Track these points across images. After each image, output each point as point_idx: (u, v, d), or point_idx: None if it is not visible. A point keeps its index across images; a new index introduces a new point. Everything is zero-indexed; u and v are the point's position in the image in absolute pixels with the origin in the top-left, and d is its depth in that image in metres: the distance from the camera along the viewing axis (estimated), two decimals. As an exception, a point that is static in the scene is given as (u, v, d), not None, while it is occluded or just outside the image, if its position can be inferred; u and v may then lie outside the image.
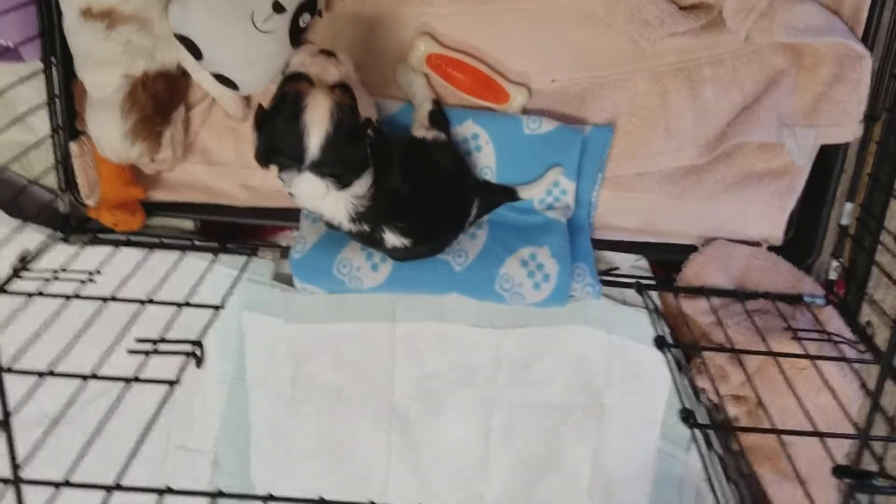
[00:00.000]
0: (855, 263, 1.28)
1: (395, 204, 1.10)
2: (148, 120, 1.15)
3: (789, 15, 1.13)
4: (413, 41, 1.22)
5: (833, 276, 1.30)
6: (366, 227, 1.09)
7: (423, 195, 1.12)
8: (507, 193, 1.25)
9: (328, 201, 1.06)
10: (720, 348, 1.19)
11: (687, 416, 0.95)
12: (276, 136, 0.99)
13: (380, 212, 1.08)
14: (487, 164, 1.24)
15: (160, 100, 1.16)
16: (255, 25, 1.08)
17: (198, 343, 0.94)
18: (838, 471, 0.75)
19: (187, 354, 0.93)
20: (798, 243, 1.30)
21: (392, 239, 1.11)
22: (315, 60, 1.02)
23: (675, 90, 1.22)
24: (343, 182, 1.03)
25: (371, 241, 1.12)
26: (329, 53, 1.05)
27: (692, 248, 1.30)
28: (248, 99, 1.24)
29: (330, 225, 1.12)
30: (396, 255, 1.16)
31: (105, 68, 1.13)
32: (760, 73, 1.21)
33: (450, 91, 1.24)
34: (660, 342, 1.13)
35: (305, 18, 1.13)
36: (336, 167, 1.00)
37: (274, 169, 1.04)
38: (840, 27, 1.15)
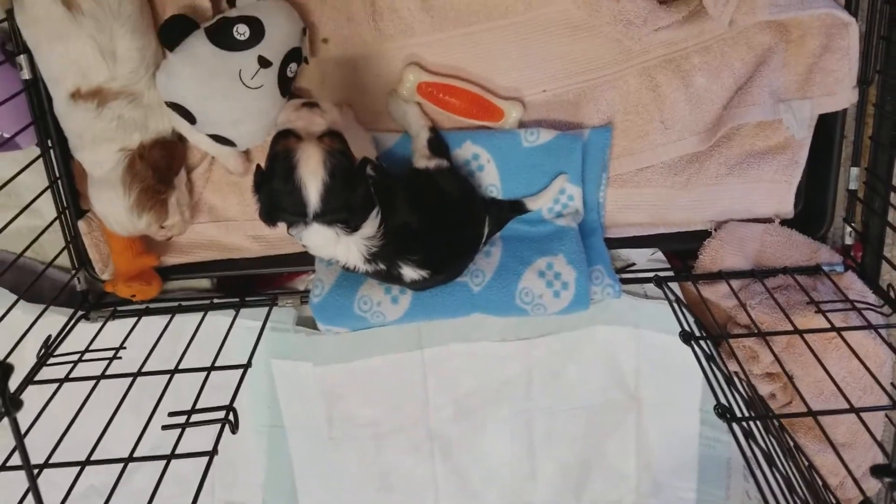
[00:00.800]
0: (868, 226, 1.28)
1: (407, 238, 1.10)
2: (150, 190, 1.16)
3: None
4: (401, 73, 1.22)
5: (849, 241, 1.31)
6: (382, 266, 1.10)
7: (433, 225, 1.13)
8: (515, 208, 1.25)
9: (341, 247, 1.06)
10: (745, 334, 1.19)
11: (723, 412, 0.96)
12: (276, 195, 0.99)
13: (393, 248, 1.09)
14: (492, 181, 1.25)
15: (160, 168, 1.17)
16: (243, 83, 1.09)
17: (230, 408, 0.95)
18: (875, 471, 0.75)
19: (222, 422, 0.93)
20: (809, 214, 1.30)
21: (410, 273, 1.11)
22: (299, 114, 1.03)
23: (667, 82, 1.22)
24: (352, 226, 1.03)
25: (389, 277, 1.13)
26: (311, 105, 1.05)
27: (706, 234, 1.30)
28: (247, 153, 1.24)
29: (347, 269, 1.12)
30: (416, 286, 1.17)
31: (100, 146, 1.14)
32: (749, 53, 1.21)
33: (444, 116, 1.24)
34: (686, 336, 1.13)
35: (292, 68, 1.14)
36: (341, 213, 1.01)
37: (282, 226, 1.05)
38: (823, -3, 1.15)
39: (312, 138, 0.98)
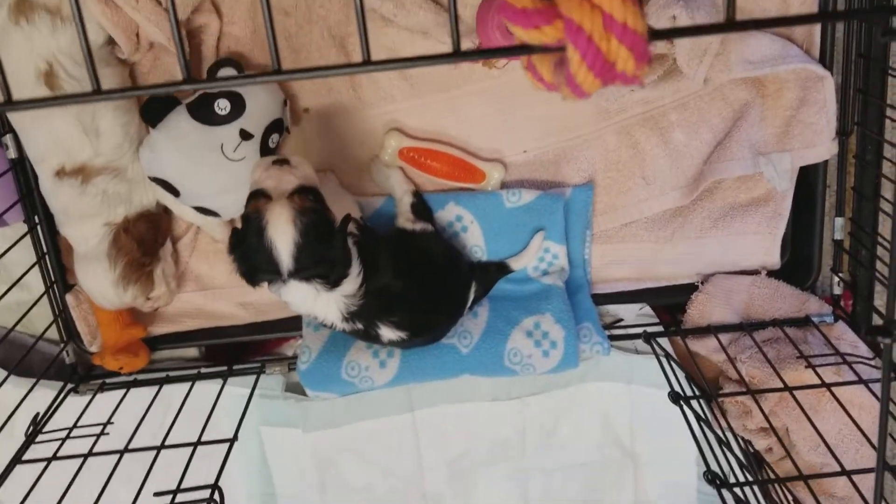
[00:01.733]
0: (856, 276, 1.28)
1: (386, 299, 1.10)
2: (136, 263, 1.16)
3: (743, 50, 1.13)
4: (383, 138, 1.23)
5: (837, 290, 1.30)
6: (359, 325, 1.09)
7: (415, 287, 1.13)
8: (500, 269, 1.25)
9: (320, 304, 1.06)
10: (735, 392, 1.18)
11: (713, 479, 0.94)
12: (251, 255, 0.99)
13: (372, 308, 1.08)
14: (476, 242, 1.25)
15: (145, 241, 1.18)
16: (225, 156, 1.10)
17: (216, 487, 0.94)
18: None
19: (207, 501, 0.93)
20: (797, 265, 1.30)
21: (388, 333, 1.11)
22: (269, 173, 1.02)
23: (646, 139, 1.23)
24: (331, 282, 1.03)
25: (367, 336, 1.13)
26: (282, 162, 1.04)
27: (693, 288, 1.29)
28: (232, 221, 1.25)
29: (325, 325, 1.12)
30: (395, 346, 1.17)
31: (85, 221, 1.15)
32: (726, 108, 1.22)
33: (427, 179, 1.25)
34: (675, 397, 1.12)
35: (274, 139, 1.15)
36: (316, 269, 1.00)
37: (264, 285, 1.05)
38: (796, 52, 1.16)
39: (282, 197, 0.98)
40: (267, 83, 1.14)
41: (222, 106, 1.10)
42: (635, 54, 0.47)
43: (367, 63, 0.49)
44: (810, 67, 1.15)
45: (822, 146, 1.21)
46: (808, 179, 1.25)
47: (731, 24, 0.47)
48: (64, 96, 0.52)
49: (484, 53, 0.50)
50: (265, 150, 1.14)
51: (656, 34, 0.50)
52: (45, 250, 1.26)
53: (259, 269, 1.00)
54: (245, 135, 1.10)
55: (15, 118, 1.13)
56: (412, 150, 1.23)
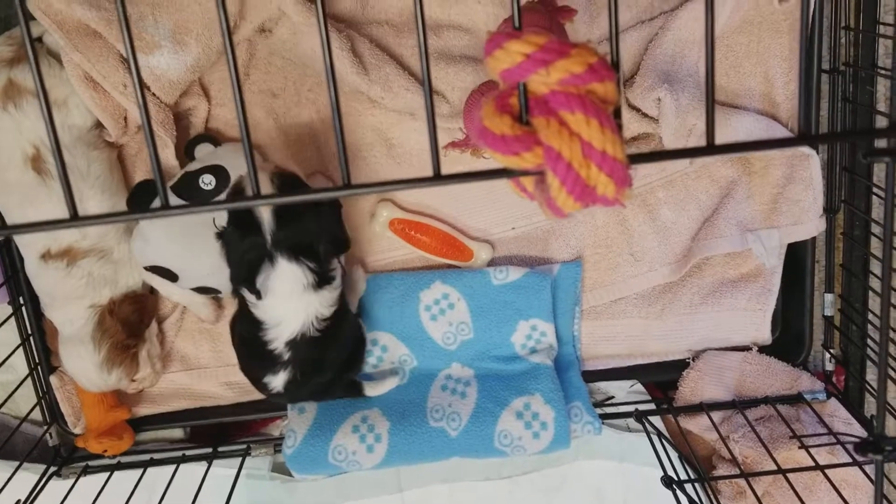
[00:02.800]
0: (848, 352, 1.27)
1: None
2: (120, 345, 1.15)
3: (728, 130, 1.14)
4: (375, 208, 1.23)
5: (830, 367, 1.29)
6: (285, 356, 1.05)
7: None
8: (350, 387, 1.21)
9: (295, 305, 1.01)
10: (728, 475, 1.17)
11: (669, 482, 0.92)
12: (236, 237, 0.97)
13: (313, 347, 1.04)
14: (462, 319, 1.24)
15: (130, 322, 1.17)
16: (217, 229, 1.09)
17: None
18: None
19: None
20: (788, 341, 1.29)
21: (277, 381, 1.07)
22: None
23: (633, 216, 1.23)
24: (322, 271, 0.99)
25: (264, 363, 1.07)
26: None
27: (685, 364, 1.28)
28: (218, 301, 1.24)
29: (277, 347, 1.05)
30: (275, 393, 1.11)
31: (70, 304, 1.14)
32: (713, 185, 1.22)
33: (416, 255, 1.25)
34: (668, 482, 1.10)
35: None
36: (303, 235, 0.97)
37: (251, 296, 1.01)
38: (781, 130, 1.17)
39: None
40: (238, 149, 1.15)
41: (207, 181, 1.09)
42: (615, 180, 0.47)
43: (352, 186, 0.49)
44: (797, 147, 1.15)
45: (809, 223, 1.21)
46: (797, 255, 1.24)
47: (711, 148, 0.47)
48: (44, 223, 0.51)
49: (463, 178, 0.50)
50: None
51: (636, 158, 0.50)
52: (29, 332, 1.24)
53: (245, 253, 0.97)
54: None
55: (1, 201, 1.12)
56: (403, 223, 1.23)
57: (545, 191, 0.50)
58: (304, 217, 0.97)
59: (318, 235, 0.98)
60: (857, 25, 1.16)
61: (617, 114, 0.48)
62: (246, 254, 0.97)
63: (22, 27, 0.50)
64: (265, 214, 0.95)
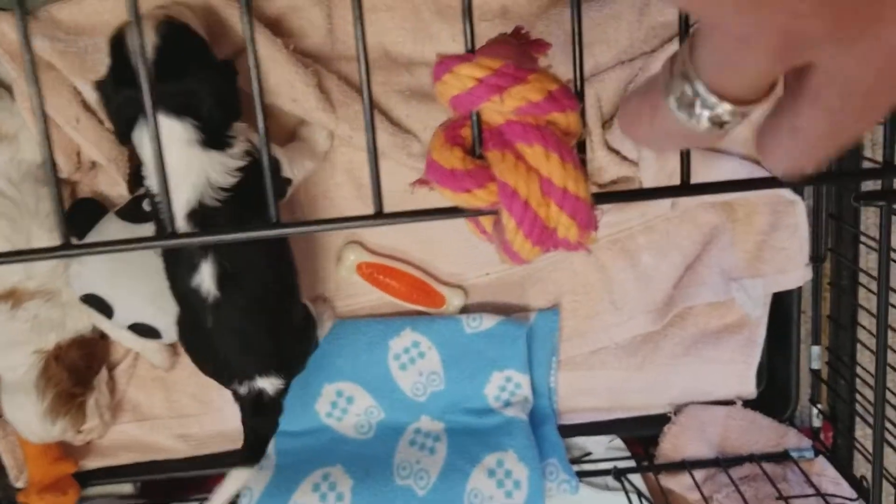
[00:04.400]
0: (835, 408, 1.21)
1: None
2: (66, 394, 1.08)
3: (710, 174, 1.10)
4: (341, 251, 1.17)
5: (817, 423, 1.23)
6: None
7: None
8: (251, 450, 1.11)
9: (176, 161, 0.88)
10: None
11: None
12: (113, 89, 0.88)
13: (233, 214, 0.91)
14: (433, 369, 1.18)
15: (78, 369, 1.10)
16: (159, 253, 1.03)
17: None
18: None
19: None
20: (773, 395, 1.23)
21: (207, 279, 0.93)
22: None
23: (613, 262, 1.18)
24: (211, 130, 0.88)
25: (180, 270, 0.95)
26: None
27: (666, 419, 1.22)
28: (174, 346, 1.17)
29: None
30: (195, 308, 0.96)
31: (13, 349, 1.07)
32: (695, 231, 1.17)
33: (385, 300, 1.19)
34: (647, 547, 1.03)
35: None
36: (187, 85, 0.86)
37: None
38: (765, 175, 1.12)
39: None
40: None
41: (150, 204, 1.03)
42: (578, 221, 0.41)
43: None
44: (781, 192, 1.11)
45: (795, 272, 1.16)
46: (783, 306, 1.19)
47: (685, 188, 0.42)
48: None
49: (409, 216, 0.44)
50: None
51: (601, 197, 0.45)
52: (-31, 378, 1.16)
53: (120, 103, 0.87)
54: None
55: (-58, 238, 1.06)
56: (371, 266, 1.17)
57: (501, 232, 0.44)
58: (189, 75, 0.87)
59: (204, 97, 0.88)
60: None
61: (581, 148, 0.43)
62: (122, 107, 0.88)
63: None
64: (147, 42, 0.86)
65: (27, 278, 1.05)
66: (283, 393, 1.03)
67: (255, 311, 0.97)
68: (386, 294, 1.18)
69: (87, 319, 1.11)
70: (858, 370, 1.15)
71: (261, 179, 0.48)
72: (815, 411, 1.23)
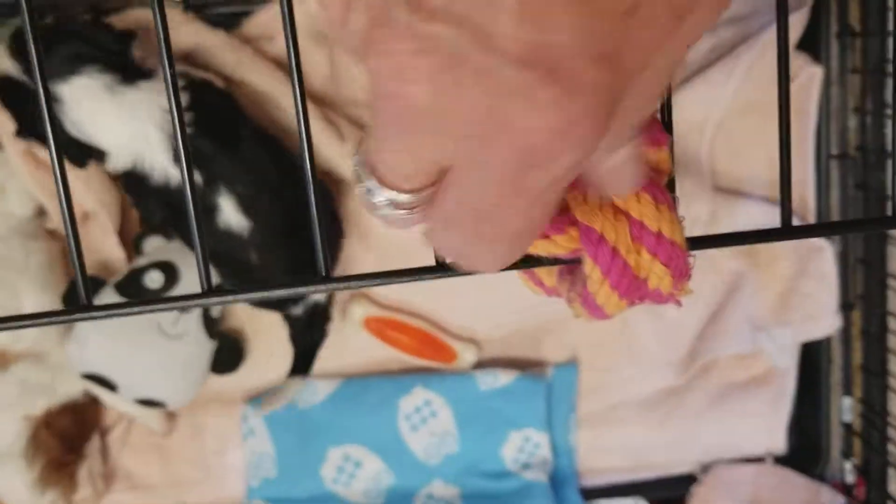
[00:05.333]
0: (869, 462, 1.15)
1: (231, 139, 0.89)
2: (56, 462, 1.01)
3: (732, 219, 1.06)
4: (347, 306, 1.11)
5: (850, 478, 1.17)
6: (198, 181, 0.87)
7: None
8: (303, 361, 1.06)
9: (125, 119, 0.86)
10: None
11: None
12: None
13: (214, 145, 0.87)
14: (446, 429, 1.11)
15: (69, 436, 1.03)
16: (164, 334, 0.98)
17: None
18: None
19: None
20: (804, 449, 1.17)
21: (232, 213, 0.89)
22: None
23: (632, 312, 1.12)
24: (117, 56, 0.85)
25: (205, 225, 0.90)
26: None
27: (693, 479, 1.16)
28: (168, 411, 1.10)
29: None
30: (236, 255, 0.93)
31: (0, 415, 1.00)
32: (718, 279, 1.12)
33: (394, 356, 1.13)
34: None
35: (217, 308, 1.03)
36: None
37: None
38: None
39: None
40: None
41: (154, 278, 0.99)
42: (673, 269, 0.36)
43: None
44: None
45: (824, 320, 1.11)
46: (811, 356, 1.14)
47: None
48: None
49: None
50: (208, 321, 1.02)
51: (696, 242, 0.40)
52: (-49, 447, 1.09)
53: None
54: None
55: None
56: (380, 321, 1.11)
57: (577, 284, 0.39)
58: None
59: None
60: (863, 107, 1.09)
61: (671, 186, 0.38)
62: None
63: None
64: None
65: (15, 340, 0.99)
66: (331, 296, 1.02)
67: (291, 224, 0.93)
68: (395, 349, 1.12)
69: (79, 383, 1.04)
70: (890, 419, 1.10)
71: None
72: (847, 465, 1.17)
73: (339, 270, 1.10)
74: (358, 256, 1.10)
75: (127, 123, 0.87)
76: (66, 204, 0.37)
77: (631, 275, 0.36)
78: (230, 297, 0.40)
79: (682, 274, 0.36)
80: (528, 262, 0.38)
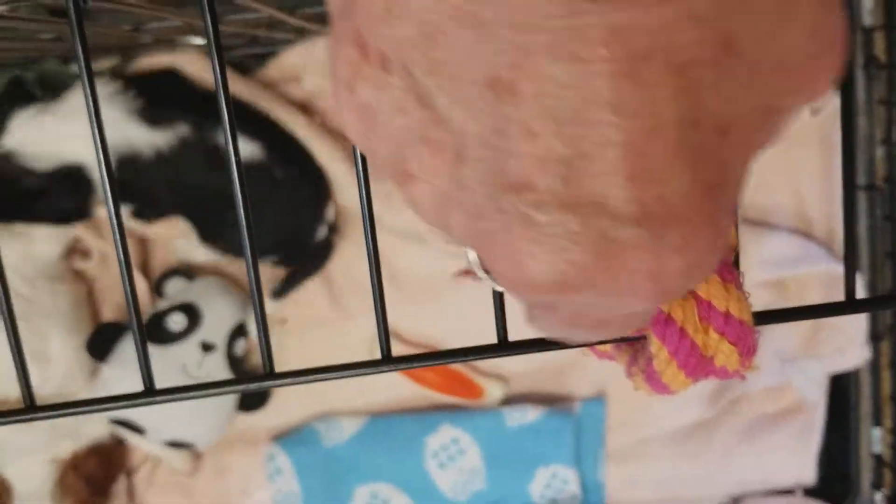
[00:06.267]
0: (902, 494, 1.14)
1: None
2: (84, 505, 1.01)
3: (759, 249, 1.05)
4: (372, 343, 1.10)
5: (882, 510, 1.16)
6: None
7: None
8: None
9: None
10: None
11: None
12: None
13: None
14: (474, 466, 1.10)
15: (95, 478, 1.03)
16: (190, 375, 0.98)
17: None
18: None
19: None
20: (834, 480, 1.16)
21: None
22: None
23: (660, 346, 1.12)
24: None
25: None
26: None
27: (722, 511, 1.15)
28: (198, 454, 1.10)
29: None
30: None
31: (28, 458, 1.00)
32: (745, 311, 1.11)
33: (420, 393, 1.12)
34: None
35: (241, 345, 1.04)
36: None
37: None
38: (816, 252, 1.08)
39: None
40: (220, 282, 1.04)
41: (176, 321, 0.99)
42: (741, 348, 0.36)
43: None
44: (833, 268, 1.06)
45: (853, 351, 1.10)
46: (840, 387, 1.13)
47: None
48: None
49: (536, 347, 0.39)
50: (233, 361, 1.02)
51: (761, 318, 0.39)
52: (-20, 490, 1.09)
53: None
54: (206, 346, 0.99)
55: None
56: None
57: (641, 360, 0.38)
58: None
59: None
60: (889, 138, 1.08)
61: (736, 262, 0.37)
62: None
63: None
64: None
65: (43, 382, 0.98)
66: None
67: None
68: (421, 386, 1.11)
69: (105, 425, 1.03)
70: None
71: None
72: (878, 496, 1.16)
73: (360, 305, 1.10)
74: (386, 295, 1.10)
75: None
76: (133, 311, 0.37)
77: (698, 354, 0.35)
78: (289, 380, 0.40)
79: (749, 351, 0.36)
80: (554, 344, 0.37)
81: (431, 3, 0.20)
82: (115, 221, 0.39)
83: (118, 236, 0.39)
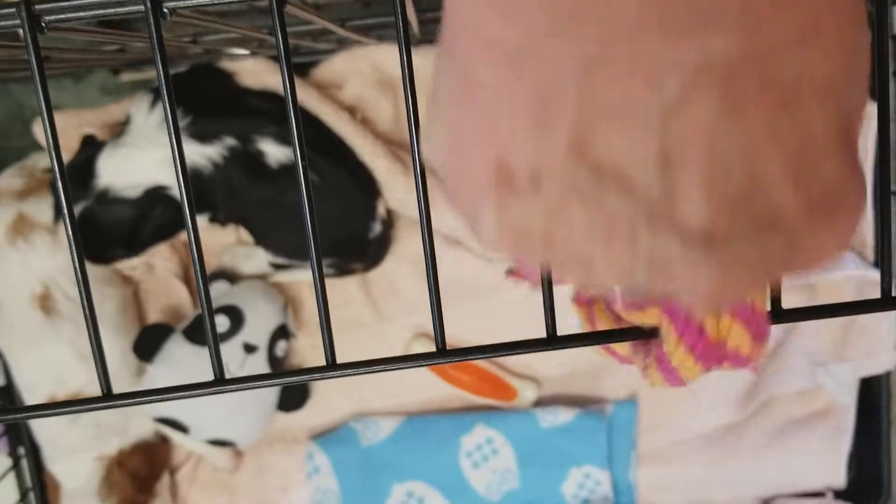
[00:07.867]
0: (934, 498, 1.15)
1: None
2: (129, 502, 1.04)
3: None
4: (409, 345, 1.13)
5: (912, 513, 1.17)
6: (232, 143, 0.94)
7: None
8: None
9: None
10: None
11: None
12: None
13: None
14: (508, 467, 1.12)
15: (140, 476, 1.06)
16: (233, 376, 1.00)
17: None
18: None
19: None
20: (864, 483, 1.17)
21: (272, 148, 0.96)
22: None
23: (692, 349, 1.13)
24: None
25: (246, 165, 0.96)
26: None
27: (753, 514, 1.16)
28: (239, 453, 1.13)
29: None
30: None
31: (75, 455, 1.03)
32: (776, 315, 1.13)
33: (455, 394, 1.14)
34: None
35: (282, 346, 1.06)
36: None
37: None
38: (847, 256, 1.09)
39: None
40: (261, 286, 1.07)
41: (220, 323, 1.01)
42: (752, 331, 0.37)
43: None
44: (865, 273, 1.07)
45: (883, 355, 1.11)
46: (870, 390, 1.14)
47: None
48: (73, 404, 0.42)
49: (582, 341, 0.41)
50: (273, 362, 1.05)
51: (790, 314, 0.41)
52: (29, 486, 1.12)
53: None
54: (249, 348, 1.02)
55: (4, 342, 1.03)
56: (441, 360, 1.13)
57: (652, 349, 0.40)
58: None
59: None
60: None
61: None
62: None
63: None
64: None
65: (91, 382, 1.01)
66: None
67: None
68: (456, 388, 1.14)
69: (150, 424, 1.07)
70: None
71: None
72: (909, 501, 1.16)
73: (397, 309, 1.13)
74: (418, 296, 1.12)
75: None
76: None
77: (708, 337, 0.37)
78: (349, 371, 0.42)
79: (761, 335, 0.37)
80: (617, 335, 0.40)
81: None
82: (191, 231, 0.41)
83: (194, 248, 0.42)
